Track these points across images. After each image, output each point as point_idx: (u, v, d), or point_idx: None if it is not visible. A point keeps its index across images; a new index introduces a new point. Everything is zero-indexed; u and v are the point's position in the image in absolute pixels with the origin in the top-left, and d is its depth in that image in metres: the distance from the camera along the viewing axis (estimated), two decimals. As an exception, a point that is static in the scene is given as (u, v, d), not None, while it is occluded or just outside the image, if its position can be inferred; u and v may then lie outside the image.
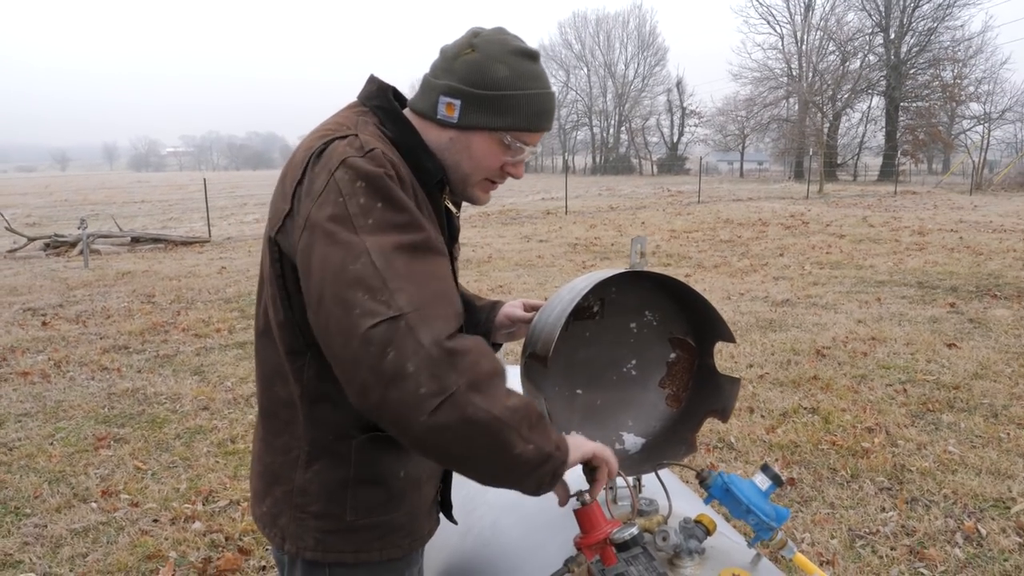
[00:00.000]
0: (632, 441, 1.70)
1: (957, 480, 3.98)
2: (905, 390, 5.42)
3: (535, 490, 1.19)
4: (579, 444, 1.27)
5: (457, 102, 1.30)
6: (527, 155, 1.38)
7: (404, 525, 1.40)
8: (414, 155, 1.32)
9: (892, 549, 3.36)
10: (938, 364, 6.03)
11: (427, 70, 1.38)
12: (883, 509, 3.72)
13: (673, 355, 1.73)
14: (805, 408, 5.08)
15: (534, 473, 1.16)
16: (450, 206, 1.43)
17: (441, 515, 1.57)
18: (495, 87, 1.29)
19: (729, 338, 1.58)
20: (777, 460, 4.27)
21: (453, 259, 1.45)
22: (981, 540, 3.41)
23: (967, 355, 6.26)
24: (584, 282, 1.52)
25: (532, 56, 1.33)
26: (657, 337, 1.72)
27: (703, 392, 1.70)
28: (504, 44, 1.31)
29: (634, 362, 1.72)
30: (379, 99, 1.36)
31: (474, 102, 1.29)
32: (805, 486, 3.97)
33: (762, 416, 4.96)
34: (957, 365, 5.98)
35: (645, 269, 1.55)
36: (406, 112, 1.38)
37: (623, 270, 1.51)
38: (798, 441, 4.51)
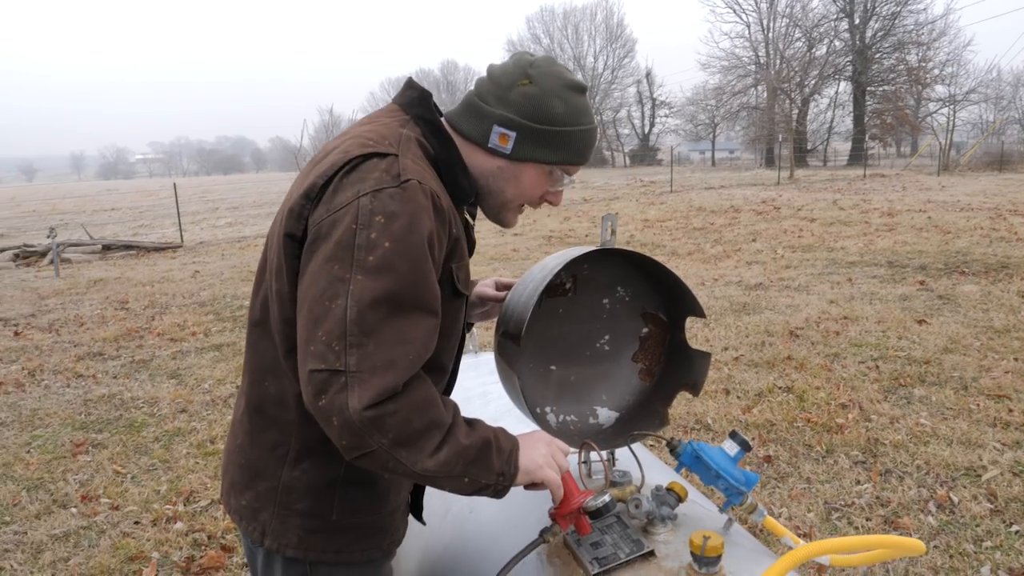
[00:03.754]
0: (606, 415, 1.74)
1: (929, 451, 4.07)
2: (877, 366, 5.52)
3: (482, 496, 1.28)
4: (532, 469, 1.28)
5: (512, 134, 1.31)
6: (568, 184, 1.42)
7: (385, 526, 1.41)
8: (452, 173, 1.32)
9: (867, 520, 3.43)
10: (909, 340, 6.15)
11: (472, 89, 1.37)
12: (858, 482, 3.79)
13: (645, 330, 1.76)
14: (780, 388, 5.15)
15: (470, 494, 1.25)
16: (468, 218, 1.45)
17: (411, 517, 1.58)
18: (552, 123, 1.31)
19: (699, 312, 1.61)
20: (754, 439, 4.34)
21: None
22: (953, 508, 3.50)
23: (937, 331, 6.39)
24: (555, 260, 1.55)
25: (583, 90, 1.35)
26: (629, 313, 1.75)
27: (675, 366, 1.74)
28: (559, 77, 1.32)
29: (607, 337, 1.75)
30: (421, 108, 1.36)
31: (530, 136, 1.31)
32: (781, 463, 4.04)
33: (738, 397, 5.03)
34: (927, 341, 6.10)
35: (615, 247, 1.58)
36: (450, 130, 1.38)
37: (593, 248, 1.54)
38: (774, 420, 4.59)
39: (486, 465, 1.22)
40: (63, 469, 4.32)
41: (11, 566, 3.32)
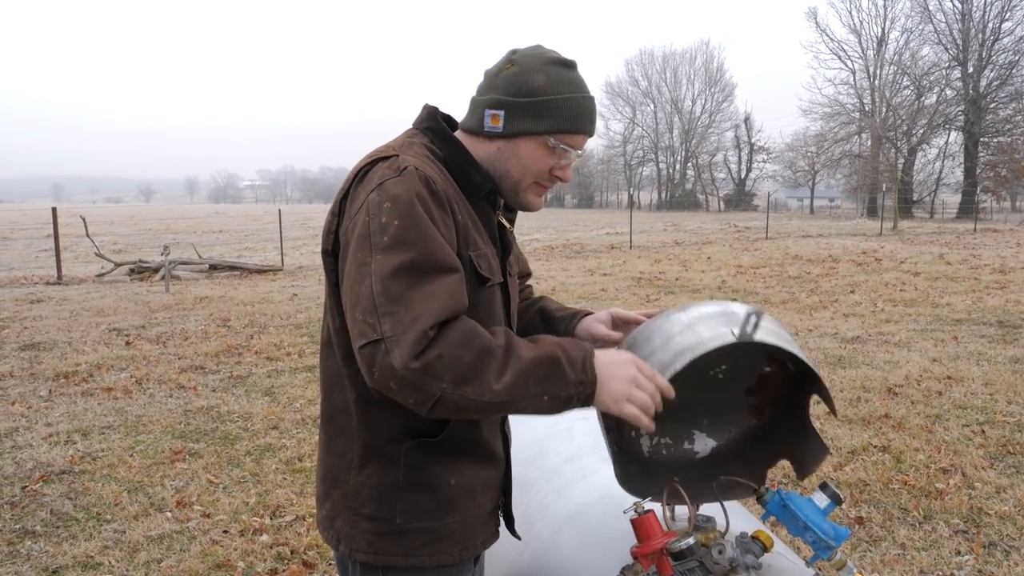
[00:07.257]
0: (703, 443, 1.66)
1: (1039, 526, 3.79)
2: (983, 431, 5.20)
3: (570, 409, 1.27)
4: (614, 373, 1.26)
5: (501, 112, 1.39)
6: (573, 158, 1.45)
7: (455, 533, 1.42)
8: (463, 171, 1.41)
9: (967, 594, 3.22)
10: (1020, 406, 5.76)
11: (473, 93, 1.48)
12: (958, 552, 3.57)
13: (768, 369, 1.64)
14: (875, 446, 4.92)
15: (559, 411, 1.26)
16: (503, 221, 1.51)
17: (504, 529, 1.59)
18: (534, 94, 1.37)
19: (831, 409, 1.46)
20: (845, 498, 4.14)
21: (507, 275, 1.49)
22: (1065, 589, 3.24)
23: (1052, 398, 5.97)
24: (701, 343, 1.36)
25: (568, 64, 1.42)
26: (755, 350, 1.59)
27: (786, 429, 1.61)
28: (540, 56, 1.41)
29: (724, 367, 1.63)
30: (429, 121, 1.47)
31: (516, 110, 1.38)
32: (874, 525, 3.84)
33: (829, 453, 4.82)
34: (1041, 407, 5.70)
35: (764, 341, 1.38)
36: (458, 134, 1.48)
37: (735, 340, 1.36)
38: (867, 480, 4.38)
39: (560, 379, 1.23)
40: (161, 475, 4.56)
41: (109, 562, 3.51)
